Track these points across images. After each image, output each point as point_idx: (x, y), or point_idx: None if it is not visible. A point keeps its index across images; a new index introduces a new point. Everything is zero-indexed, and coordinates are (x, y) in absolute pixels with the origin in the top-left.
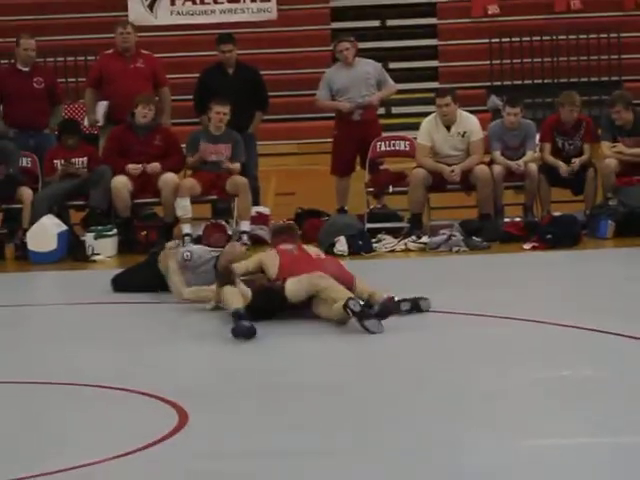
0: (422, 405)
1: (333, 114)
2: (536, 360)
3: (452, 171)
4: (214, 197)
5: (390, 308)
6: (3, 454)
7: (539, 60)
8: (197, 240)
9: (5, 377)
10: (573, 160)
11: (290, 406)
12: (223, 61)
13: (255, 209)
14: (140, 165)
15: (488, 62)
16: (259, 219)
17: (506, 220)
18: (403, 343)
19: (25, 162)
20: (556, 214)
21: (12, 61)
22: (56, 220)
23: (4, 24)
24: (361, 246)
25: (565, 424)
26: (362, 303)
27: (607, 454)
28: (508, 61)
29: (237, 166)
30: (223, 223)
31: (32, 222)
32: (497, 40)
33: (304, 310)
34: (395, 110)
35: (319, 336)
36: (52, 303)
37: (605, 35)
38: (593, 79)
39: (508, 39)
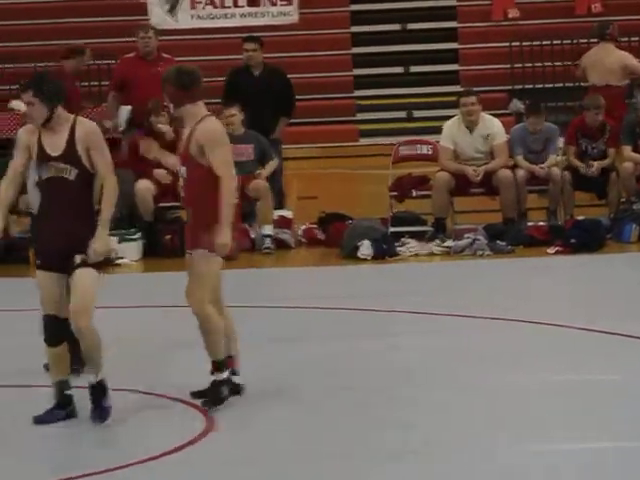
0: (439, 407)
1: (355, 118)
2: (559, 364)
3: (475, 171)
4: (236, 201)
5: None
6: (36, 456)
7: (560, 63)
8: None
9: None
10: (590, 163)
11: (319, 409)
12: (247, 61)
13: (278, 213)
14: (166, 171)
15: (509, 65)
16: (282, 223)
17: (530, 224)
18: (425, 347)
19: None
20: (580, 218)
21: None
22: None
23: (25, 27)
24: (385, 250)
25: (583, 428)
26: None
27: (623, 459)
28: (529, 64)
29: (272, 164)
30: (246, 227)
31: None
32: (517, 43)
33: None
34: (416, 114)
35: (343, 339)
36: None
37: (626, 38)
38: None
39: (528, 42)
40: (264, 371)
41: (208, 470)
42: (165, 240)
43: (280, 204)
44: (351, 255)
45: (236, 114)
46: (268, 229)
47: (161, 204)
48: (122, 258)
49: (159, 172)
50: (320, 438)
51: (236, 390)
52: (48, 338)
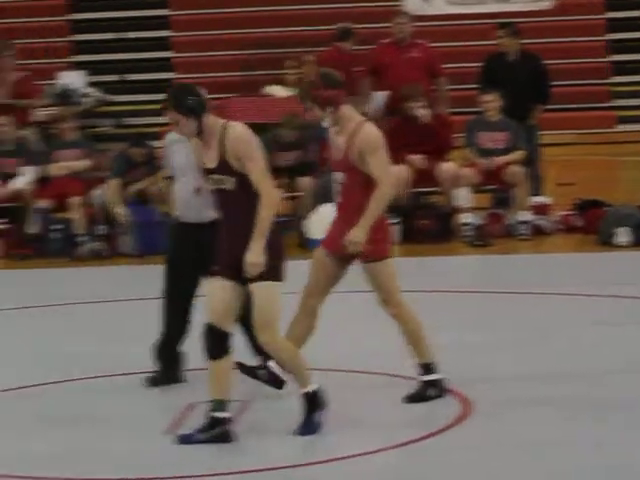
0: None
1: (612, 104)
2: None
3: None
4: (493, 187)
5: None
6: (288, 439)
7: None
8: (477, 229)
9: None
10: None
11: (576, 399)
12: (501, 47)
13: (535, 199)
14: (422, 156)
15: None
16: (539, 209)
17: None
18: None
19: None
20: None
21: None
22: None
23: (288, 13)
24: None
25: None
26: None
27: None
28: None
29: (517, 155)
30: (502, 213)
31: (312, 210)
32: None
33: None
34: None
35: (601, 326)
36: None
37: None
38: None
39: None
40: (518, 358)
41: (460, 457)
42: (421, 225)
43: (537, 190)
44: (608, 242)
45: (493, 100)
46: (524, 215)
47: (417, 189)
48: None
49: (415, 158)
50: (577, 429)
51: (279, 384)
52: (208, 349)
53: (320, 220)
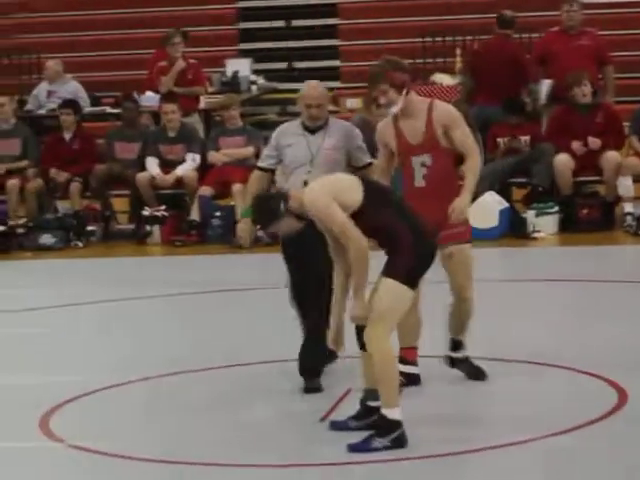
0: None
1: None
2: None
3: None
4: None
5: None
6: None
7: None
8: None
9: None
10: None
11: None
12: None
13: None
14: (581, 142)
15: None
16: None
17: None
18: None
19: None
20: None
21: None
22: (498, 197)
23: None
24: None
25: None
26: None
27: None
28: None
29: None
30: None
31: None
32: None
33: None
34: None
35: None
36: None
37: None
38: None
39: None
40: None
41: (617, 451)
42: (582, 214)
43: None
44: None
45: None
46: None
47: (579, 178)
48: (539, 232)
49: (578, 145)
50: None
51: (414, 380)
52: (358, 339)
53: (483, 208)
